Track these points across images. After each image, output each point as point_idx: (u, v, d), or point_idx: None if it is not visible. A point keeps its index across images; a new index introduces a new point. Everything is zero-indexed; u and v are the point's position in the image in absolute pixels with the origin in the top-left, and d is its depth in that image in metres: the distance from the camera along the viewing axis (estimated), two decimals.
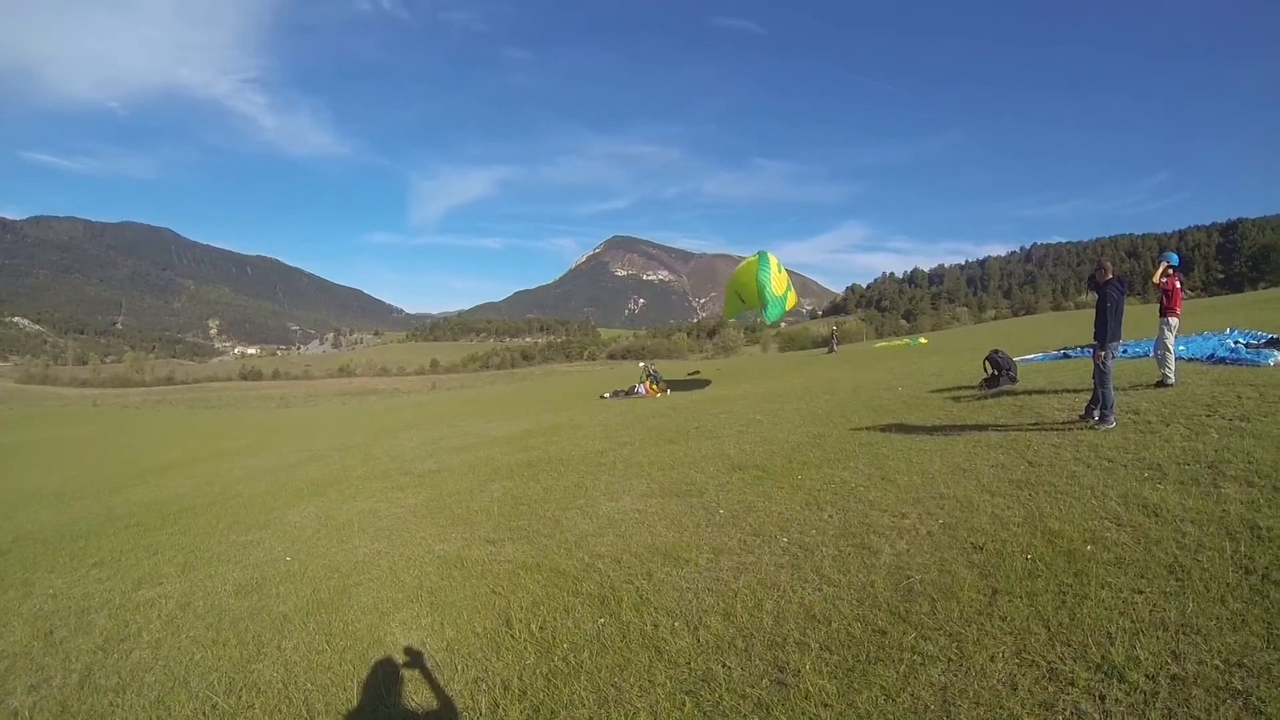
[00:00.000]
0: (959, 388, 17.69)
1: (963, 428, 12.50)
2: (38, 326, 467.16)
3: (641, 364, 34.35)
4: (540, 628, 6.56)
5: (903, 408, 15.67)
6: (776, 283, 27.66)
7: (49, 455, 35.67)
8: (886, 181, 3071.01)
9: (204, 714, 5.85)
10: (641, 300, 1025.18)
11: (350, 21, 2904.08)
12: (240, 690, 6.15)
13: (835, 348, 60.45)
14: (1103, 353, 11.30)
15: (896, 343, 61.30)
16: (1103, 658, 4.87)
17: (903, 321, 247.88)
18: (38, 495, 20.53)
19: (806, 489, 9.67)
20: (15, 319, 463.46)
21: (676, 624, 6.26)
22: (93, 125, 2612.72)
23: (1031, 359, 23.10)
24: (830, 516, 8.42)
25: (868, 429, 13.58)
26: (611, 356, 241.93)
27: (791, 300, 28.91)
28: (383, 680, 6.09)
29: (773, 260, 28.11)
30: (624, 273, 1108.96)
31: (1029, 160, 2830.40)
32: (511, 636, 6.48)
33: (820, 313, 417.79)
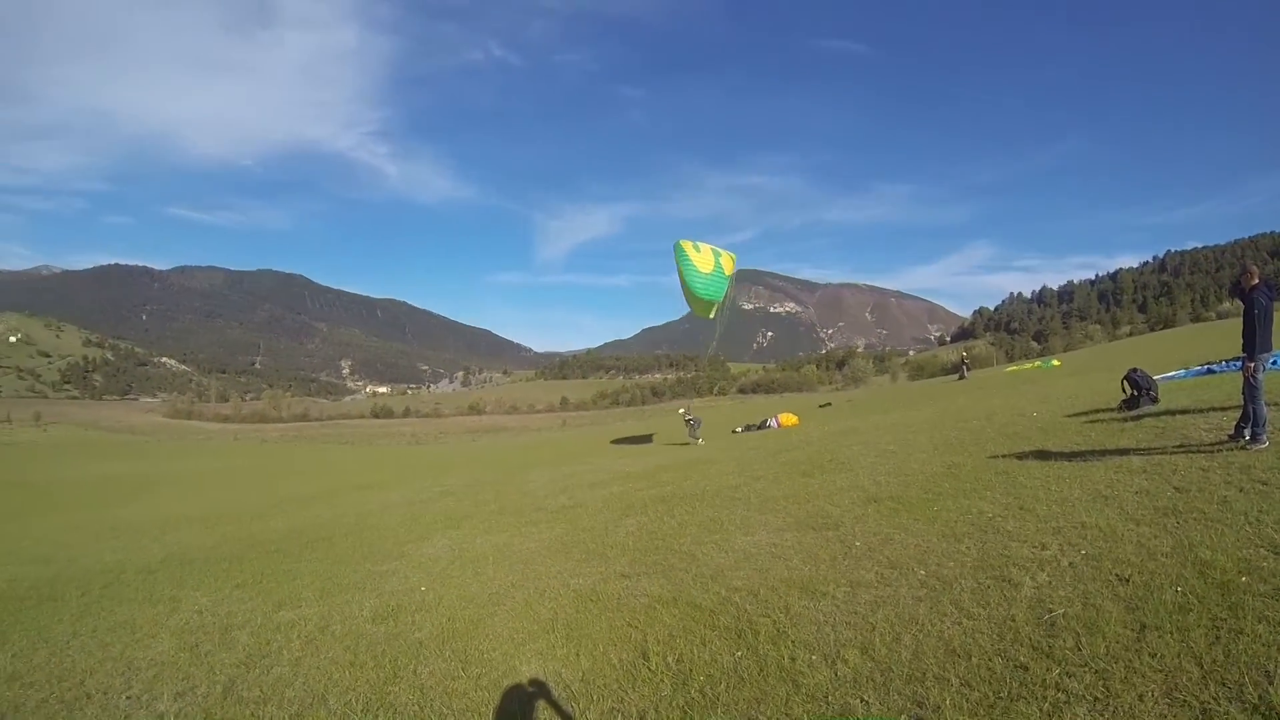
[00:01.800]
0: (1096, 411, 16.97)
1: (1103, 453, 11.99)
2: (184, 366, 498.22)
3: (681, 410, 34.38)
4: (677, 660, 6.56)
5: (1038, 434, 15.16)
6: (700, 263, 27.57)
7: (194, 484, 37.57)
8: (1009, 197, 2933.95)
9: None
10: (770, 333, 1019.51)
11: (464, 70, 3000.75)
12: (377, 710, 6.35)
13: (966, 374, 58.73)
14: (1252, 365, 10.57)
15: (1028, 366, 59.21)
16: (1260, 698, 4.59)
17: (1033, 343, 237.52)
18: (184, 520, 21.65)
19: (943, 520, 9.45)
20: (164, 359, 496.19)
21: (814, 657, 6.19)
22: (230, 182, 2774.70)
23: (1172, 376, 22.03)
24: (968, 548, 8.22)
25: (1003, 457, 13.18)
26: (742, 391, 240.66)
27: (727, 265, 28.50)
28: (518, 707, 6.21)
29: (685, 246, 27.93)
30: (751, 306, 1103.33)
31: (1156, 161, 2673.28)
32: (648, 668, 6.51)
33: (949, 339, 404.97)
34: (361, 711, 6.35)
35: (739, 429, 33.58)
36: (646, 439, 38.30)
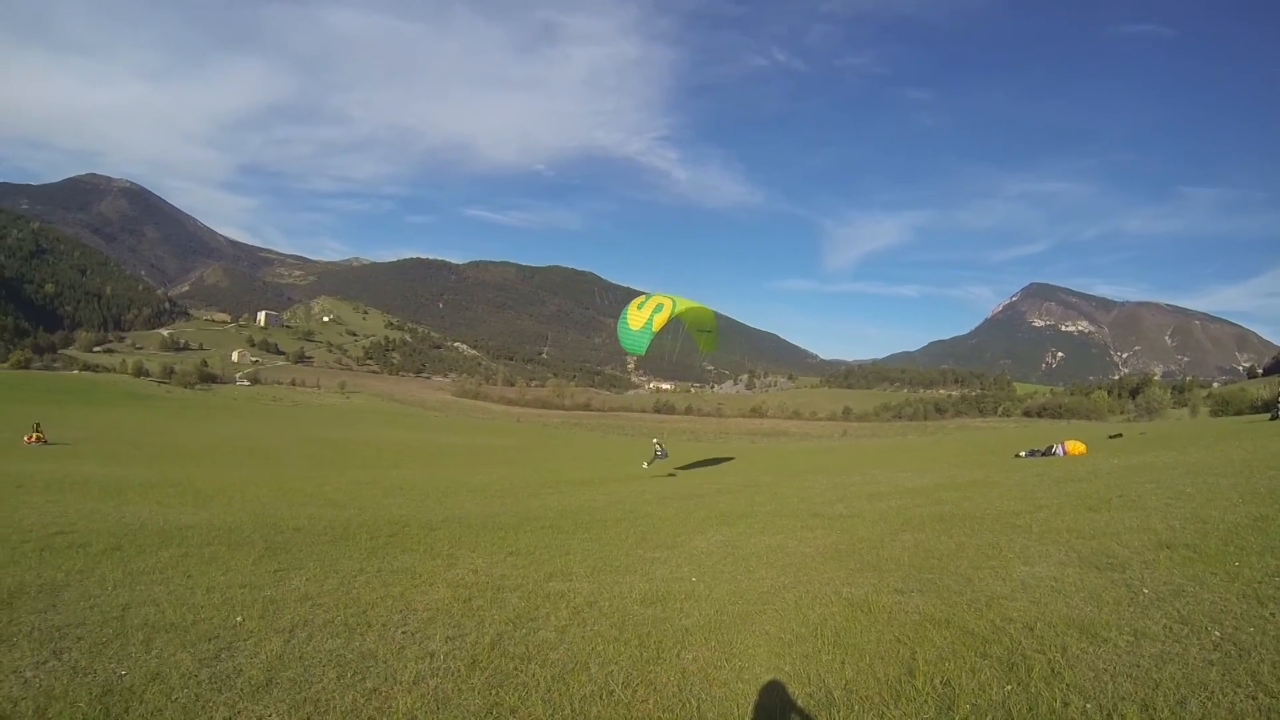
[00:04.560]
0: None
1: None
2: (474, 351, 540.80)
3: (655, 440, 37.62)
4: (943, 683, 6.36)
5: None
6: (633, 320, 31.52)
7: (476, 458, 40.56)
8: None
9: (600, 698, 6.27)
10: (1060, 353, 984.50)
11: (749, 77, 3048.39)
12: (637, 685, 6.51)
13: None
14: None
15: None
16: None
17: None
18: (465, 488, 23.46)
19: (1245, 578, 8.52)
20: (457, 344, 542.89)
21: (1088, 705, 5.81)
22: (522, 185, 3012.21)
23: None
24: (1273, 614, 7.35)
25: None
26: (1027, 414, 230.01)
27: (659, 321, 31.30)
28: (777, 705, 6.19)
29: (631, 304, 32.45)
30: (1041, 323, 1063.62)
31: None
32: (913, 686, 6.34)
33: (1261, 370, 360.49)
34: (622, 684, 6.52)
35: (1023, 453, 32.40)
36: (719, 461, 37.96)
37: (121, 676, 6.25)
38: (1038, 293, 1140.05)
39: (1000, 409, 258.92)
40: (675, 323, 32.38)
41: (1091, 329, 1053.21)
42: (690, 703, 6.20)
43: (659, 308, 31.86)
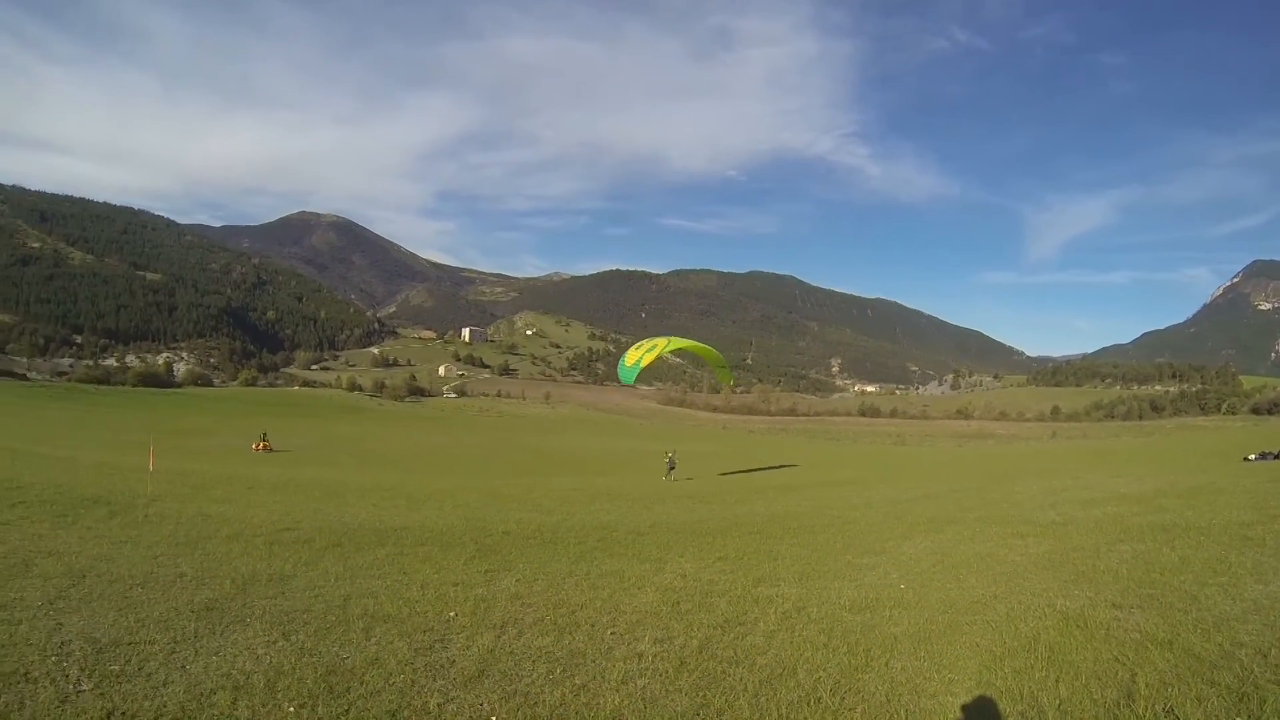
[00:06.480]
0: None
1: None
2: (678, 359, 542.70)
3: (669, 453, 41.44)
4: (1166, 711, 5.99)
5: None
6: (628, 358, 38.67)
7: (682, 464, 41.09)
8: None
9: (808, 704, 6.28)
10: None
11: (931, 61, 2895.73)
12: (845, 693, 6.49)
13: None
14: None
15: None
16: None
17: None
18: (672, 494, 24.24)
19: None
20: None
21: None
22: (715, 191, 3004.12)
23: None
24: None
25: None
26: (1255, 411, 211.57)
27: (648, 358, 38.63)
28: None
29: (631, 348, 40.20)
30: (1268, 305, 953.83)
31: None
32: (1133, 712, 6.02)
33: None
34: (830, 691, 6.51)
35: (1252, 456, 30.20)
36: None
37: (344, 659, 6.79)
38: (1262, 271, 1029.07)
39: (1225, 406, 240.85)
40: (676, 352, 41.30)
41: None
42: (899, 713, 6.15)
43: (651, 348, 39.38)
